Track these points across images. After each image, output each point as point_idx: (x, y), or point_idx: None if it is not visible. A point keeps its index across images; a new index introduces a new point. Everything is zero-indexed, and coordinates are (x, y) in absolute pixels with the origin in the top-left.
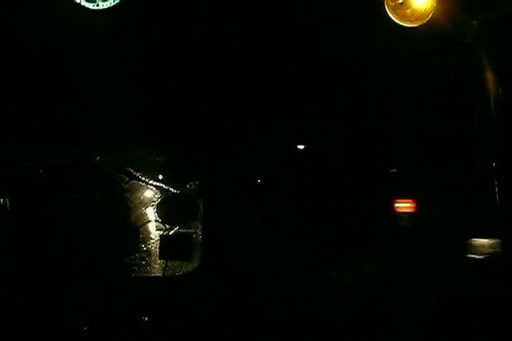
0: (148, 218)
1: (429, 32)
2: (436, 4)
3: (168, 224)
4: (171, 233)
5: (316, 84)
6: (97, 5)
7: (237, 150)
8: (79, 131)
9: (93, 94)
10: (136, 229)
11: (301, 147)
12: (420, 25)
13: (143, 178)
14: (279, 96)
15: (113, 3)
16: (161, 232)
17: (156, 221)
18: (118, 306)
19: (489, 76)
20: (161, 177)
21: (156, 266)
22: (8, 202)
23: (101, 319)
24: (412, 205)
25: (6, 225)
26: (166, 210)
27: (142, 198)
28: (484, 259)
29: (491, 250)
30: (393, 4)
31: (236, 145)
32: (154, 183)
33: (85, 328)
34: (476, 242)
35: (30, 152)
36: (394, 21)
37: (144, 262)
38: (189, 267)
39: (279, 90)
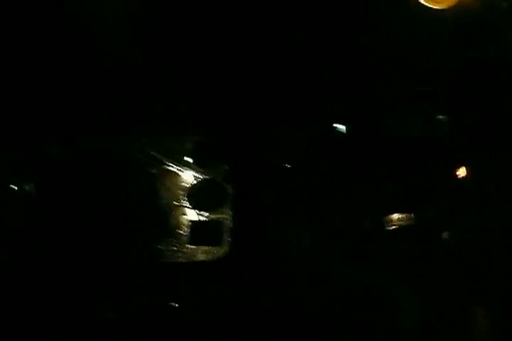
0: (177, 203)
1: (457, 15)
2: None
3: (197, 210)
4: (200, 218)
5: (347, 69)
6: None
7: (267, 134)
8: (108, 117)
9: (118, 79)
10: (166, 215)
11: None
12: (448, 8)
13: (172, 163)
14: (313, 80)
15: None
16: (191, 217)
17: (186, 206)
18: (146, 292)
19: None
20: (190, 161)
21: (186, 251)
22: (34, 189)
23: (129, 305)
24: None
25: (35, 211)
26: (196, 195)
27: (171, 183)
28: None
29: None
30: None
31: (266, 128)
32: (183, 168)
33: (113, 316)
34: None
35: (57, 139)
36: (421, 3)
37: (174, 248)
38: (219, 252)
39: (311, 74)
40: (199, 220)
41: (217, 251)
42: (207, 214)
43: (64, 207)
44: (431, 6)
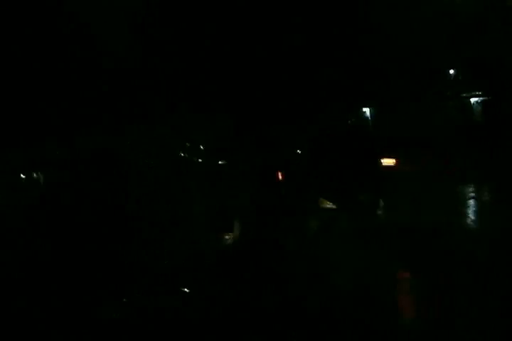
0: (195, 189)
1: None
2: None
3: (214, 196)
4: (215, 204)
5: (371, 57)
6: None
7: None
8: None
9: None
10: (185, 200)
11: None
12: None
13: (194, 151)
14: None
15: None
16: (205, 203)
17: (203, 192)
18: (160, 275)
19: None
20: (211, 149)
21: (199, 236)
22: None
23: (145, 286)
24: None
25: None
26: (213, 182)
27: (191, 170)
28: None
29: None
30: None
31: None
32: (204, 156)
33: (124, 300)
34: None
35: (93, 131)
36: None
37: (188, 232)
38: (232, 238)
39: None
40: (213, 206)
41: (231, 237)
42: (221, 199)
43: (78, 201)
44: None
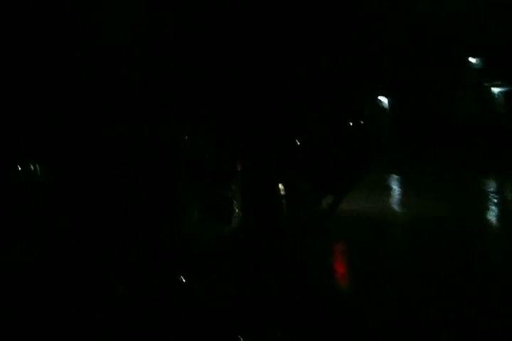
0: (192, 179)
1: None
2: None
3: (209, 187)
4: (211, 195)
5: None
6: None
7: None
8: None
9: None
10: (180, 190)
11: None
12: None
13: (192, 142)
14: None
15: None
16: (201, 194)
17: (198, 182)
18: (159, 265)
19: None
20: (206, 141)
21: (195, 226)
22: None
23: (143, 277)
24: None
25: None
26: (208, 173)
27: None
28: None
29: None
30: None
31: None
32: (201, 146)
33: (121, 290)
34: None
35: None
36: None
37: (186, 223)
38: (227, 229)
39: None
40: (209, 197)
41: (225, 228)
42: (217, 191)
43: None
44: None
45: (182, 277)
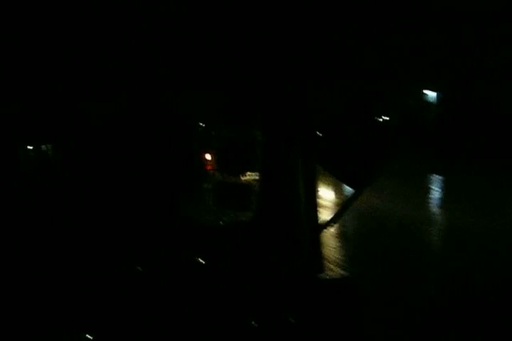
0: (208, 167)
1: None
2: None
3: (226, 174)
4: (229, 182)
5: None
6: None
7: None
8: None
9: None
10: (197, 177)
11: None
12: None
13: (207, 128)
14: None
15: None
16: (220, 181)
17: (216, 169)
18: (175, 252)
19: None
20: (222, 126)
21: (213, 214)
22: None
23: (158, 263)
24: None
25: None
26: (226, 160)
27: (204, 147)
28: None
29: None
30: None
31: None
32: (216, 133)
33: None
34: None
35: None
36: None
37: (202, 210)
38: (245, 217)
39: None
40: (227, 184)
41: (243, 215)
42: (235, 178)
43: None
44: None
45: (201, 259)
